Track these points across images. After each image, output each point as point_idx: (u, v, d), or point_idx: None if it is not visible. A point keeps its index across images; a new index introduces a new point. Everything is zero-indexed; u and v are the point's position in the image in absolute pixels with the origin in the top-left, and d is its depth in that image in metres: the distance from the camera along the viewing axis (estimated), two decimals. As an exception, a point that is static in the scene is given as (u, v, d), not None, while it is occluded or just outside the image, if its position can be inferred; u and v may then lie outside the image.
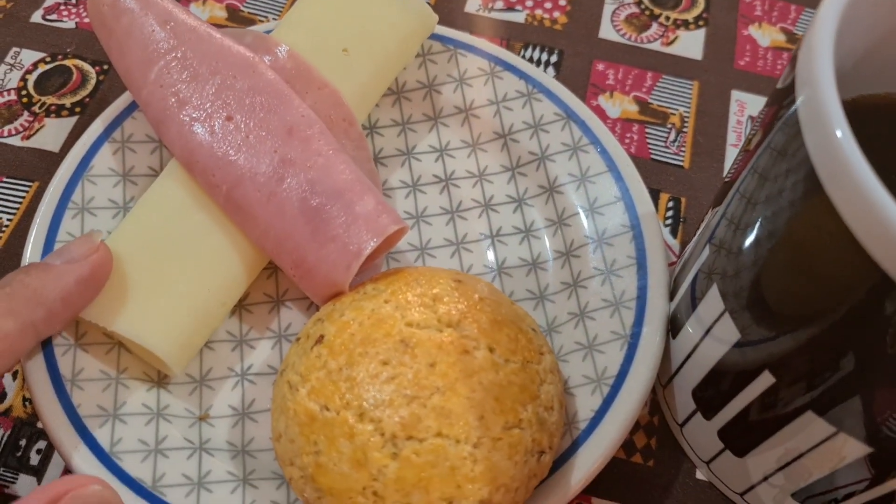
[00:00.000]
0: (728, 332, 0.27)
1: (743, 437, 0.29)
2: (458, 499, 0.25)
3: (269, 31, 0.37)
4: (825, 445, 0.25)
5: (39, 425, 0.32)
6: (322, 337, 0.28)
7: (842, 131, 0.20)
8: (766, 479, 0.29)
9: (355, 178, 0.32)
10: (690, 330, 0.30)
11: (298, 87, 0.34)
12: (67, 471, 0.30)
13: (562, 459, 0.29)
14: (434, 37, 0.38)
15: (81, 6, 0.43)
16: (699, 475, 0.33)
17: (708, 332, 0.28)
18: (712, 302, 0.28)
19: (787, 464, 0.28)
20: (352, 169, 0.32)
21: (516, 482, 0.26)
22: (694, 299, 0.29)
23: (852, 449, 0.25)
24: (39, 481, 0.31)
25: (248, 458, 0.30)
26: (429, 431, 0.26)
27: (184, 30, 0.34)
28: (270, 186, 0.31)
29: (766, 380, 0.26)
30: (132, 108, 0.36)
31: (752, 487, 0.30)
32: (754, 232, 0.25)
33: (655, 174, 0.39)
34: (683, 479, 0.33)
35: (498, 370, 0.27)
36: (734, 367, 0.27)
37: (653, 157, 0.40)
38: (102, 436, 0.29)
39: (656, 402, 0.34)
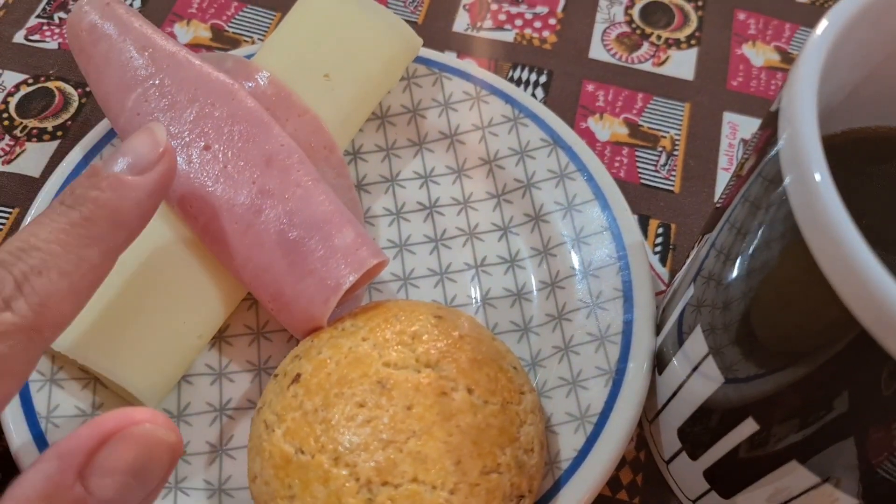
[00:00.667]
0: (712, 372, 0.26)
1: (729, 479, 0.28)
2: None
3: (250, 56, 0.36)
4: (811, 494, 0.25)
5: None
6: (299, 376, 0.28)
7: (820, 175, 0.19)
8: (753, 522, 0.29)
9: (335, 210, 0.31)
10: (677, 365, 0.29)
11: (279, 114, 0.34)
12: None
13: (543, 501, 0.28)
14: (419, 60, 0.37)
15: (64, 26, 0.43)
16: (686, 512, 0.32)
17: (694, 370, 0.28)
18: (697, 339, 0.27)
19: (774, 508, 0.27)
20: (331, 199, 0.31)
21: None
22: (681, 334, 0.29)
23: (840, 500, 0.24)
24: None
25: (224, 497, 0.30)
26: (404, 477, 0.25)
27: (162, 56, 0.33)
28: (248, 218, 0.31)
29: (750, 425, 0.25)
30: (111, 135, 0.35)
31: (739, 529, 0.30)
32: (740, 266, 0.24)
33: (645, 199, 0.38)
34: (670, 517, 0.32)
35: (476, 412, 0.27)
36: (719, 409, 0.27)
37: (643, 181, 0.39)
38: (75, 475, 0.29)
39: (643, 437, 0.33)
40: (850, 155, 0.27)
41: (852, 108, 0.27)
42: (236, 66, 0.35)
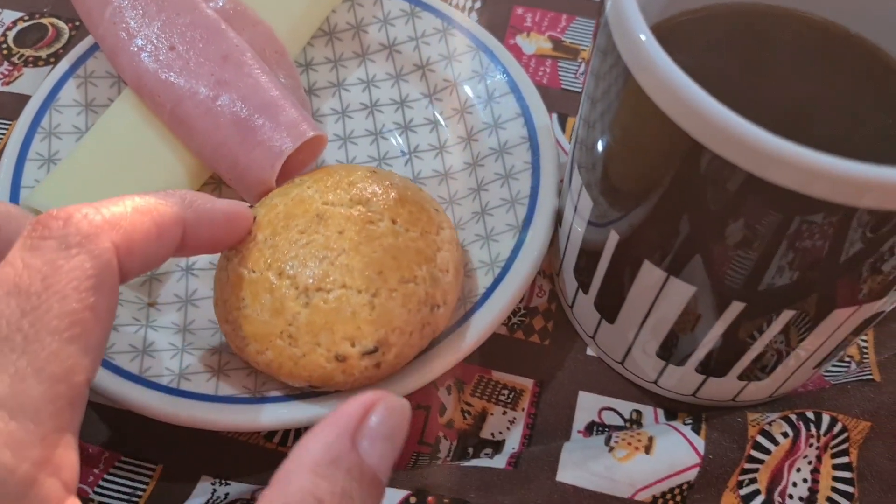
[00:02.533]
0: (586, 208, 0.31)
1: (609, 301, 0.33)
2: (358, 338, 0.30)
3: (213, -20, 0.42)
4: (664, 296, 0.30)
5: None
6: (254, 218, 0.33)
7: (644, 35, 0.24)
8: (634, 341, 0.34)
9: (280, 95, 0.37)
10: (568, 216, 0.34)
11: (236, 25, 0.39)
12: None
13: (456, 327, 0.34)
14: (360, -18, 0.43)
15: (57, -28, 0.49)
16: (589, 351, 0.37)
17: (575, 212, 0.33)
18: (575, 185, 0.32)
19: (644, 321, 0.32)
20: (278, 87, 0.37)
21: (410, 326, 0.31)
22: (570, 190, 0.34)
23: (684, 293, 0.29)
24: None
25: (187, 335, 0.35)
26: (335, 284, 0.30)
27: (134, -25, 0.39)
28: (207, 104, 0.36)
29: (613, 238, 0.30)
30: (94, 48, 0.41)
31: (627, 353, 0.35)
32: (597, 124, 0.29)
33: (565, 101, 0.44)
34: (575, 355, 0.37)
35: (398, 237, 0.32)
36: (594, 238, 0.32)
37: (563, 87, 0.44)
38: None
39: (554, 291, 0.38)
40: (679, 28, 0.32)
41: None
42: (200, -14, 0.40)
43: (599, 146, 0.29)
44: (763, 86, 0.30)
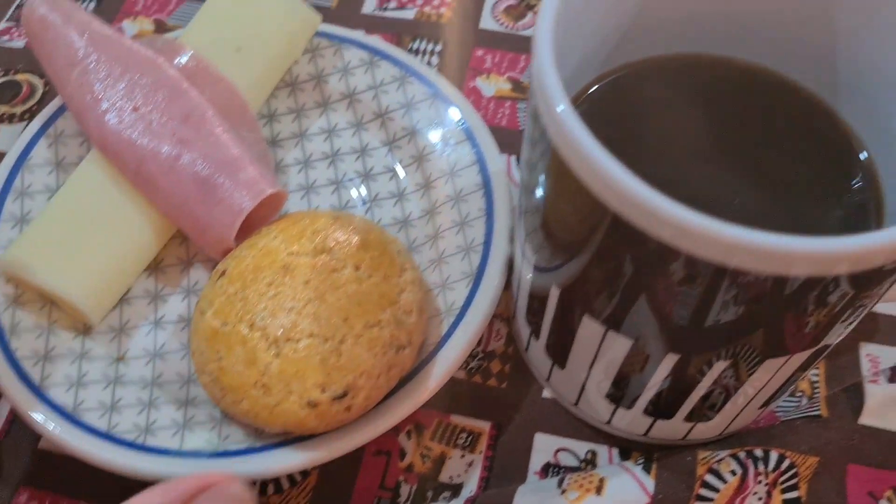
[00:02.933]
0: (531, 257, 0.33)
1: (559, 348, 0.34)
2: (327, 384, 0.31)
3: (177, 37, 0.43)
4: (606, 347, 0.31)
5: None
6: (224, 271, 0.35)
7: (563, 105, 0.25)
8: (585, 385, 0.35)
9: (240, 153, 0.38)
10: (518, 263, 0.35)
11: (199, 82, 0.40)
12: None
13: (414, 373, 0.35)
14: (321, 34, 0.44)
15: (31, 27, 0.50)
16: (545, 393, 0.38)
17: (523, 258, 0.34)
18: (521, 233, 0.33)
19: (591, 367, 0.33)
20: (239, 144, 0.38)
21: (376, 370, 0.32)
22: (518, 237, 0.35)
23: (622, 345, 0.30)
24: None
25: (154, 389, 0.36)
26: (303, 333, 0.32)
27: (98, 38, 0.40)
28: (170, 162, 0.38)
29: (555, 290, 0.31)
30: (64, 108, 0.42)
31: (580, 396, 0.36)
32: (533, 186, 0.30)
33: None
34: (532, 398, 0.38)
35: (361, 283, 0.33)
36: (540, 286, 0.33)
37: (521, 128, 0.45)
38: (34, 373, 0.35)
39: (511, 334, 0.40)
40: (601, 93, 0.33)
41: (623, 44, 0.33)
42: (164, 45, 0.41)
43: (535, 200, 0.30)
44: (687, 136, 0.32)
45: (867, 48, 0.31)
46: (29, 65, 0.49)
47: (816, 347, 0.29)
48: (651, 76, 0.33)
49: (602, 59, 0.33)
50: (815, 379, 0.38)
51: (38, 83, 0.48)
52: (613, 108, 0.33)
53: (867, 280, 0.25)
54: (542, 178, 0.28)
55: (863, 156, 0.32)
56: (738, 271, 0.24)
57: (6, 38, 0.50)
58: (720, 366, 0.29)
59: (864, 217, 0.31)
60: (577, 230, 0.28)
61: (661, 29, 0.33)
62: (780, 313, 0.26)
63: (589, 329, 0.31)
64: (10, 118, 0.47)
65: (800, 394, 0.38)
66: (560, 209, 0.29)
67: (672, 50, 0.34)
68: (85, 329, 0.38)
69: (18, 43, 0.50)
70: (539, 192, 0.29)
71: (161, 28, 0.50)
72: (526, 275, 0.34)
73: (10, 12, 0.51)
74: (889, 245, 0.23)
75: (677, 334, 0.28)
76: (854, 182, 0.32)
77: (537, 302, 0.34)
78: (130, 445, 0.33)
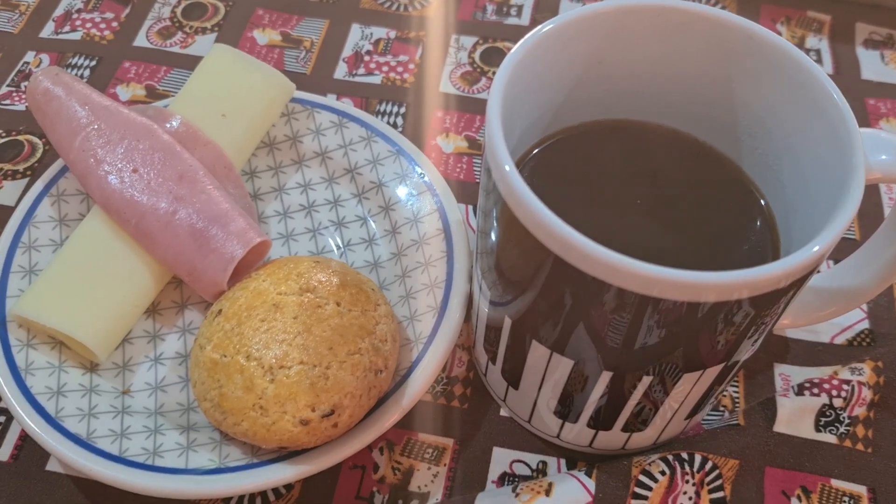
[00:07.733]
0: (486, 292, 0.38)
1: (512, 371, 0.40)
2: (317, 404, 0.36)
3: (167, 105, 0.48)
4: (552, 368, 0.36)
5: (2, 404, 0.43)
6: (220, 310, 0.40)
7: (509, 167, 0.31)
8: (536, 403, 0.40)
9: (230, 207, 0.43)
10: (476, 297, 0.41)
11: (188, 145, 0.46)
12: (25, 434, 0.41)
13: (385, 398, 0.40)
14: (296, 100, 0.50)
15: (28, 94, 0.55)
16: (502, 412, 0.43)
17: (480, 292, 0.39)
18: (477, 272, 0.39)
19: (541, 387, 0.39)
20: (228, 200, 0.43)
21: (359, 390, 0.38)
22: (476, 275, 0.41)
23: (566, 365, 0.36)
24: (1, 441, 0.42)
25: (158, 417, 0.41)
26: (294, 361, 0.37)
27: (98, 108, 0.45)
28: (167, 218, 0.43)
29: (508, 320, 0.37)
30: (65, 169, 0.47)
31: (532, 413, 0.41)
32: (487, 230, 0.35)
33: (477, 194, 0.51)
34: (491, 417, 0.43)
35: (342, 316, 0.38)
36: (495, 317, 0.38)
37: (477, 180, 0.51)
38: (49, 406, 0.40)
39: (472, 361, 0.45)
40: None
41: (571, 109, 0.39)
42: (156, 112, 0.47)
43: (490, 244, 0.36)
44: (615, 189, 0.38)
45: (760, 117, 0.37)
46: (29, 126, 0.54)
47: (727, 363, 0.35)
48: (585, 139, 0.39)
49: (544, 125, 0.39)
50: (735, 395, 0.44)
51: (39, 143, 0.53)
52: (554, 166, 0.39)
53: (764, 301, 0.31)
54: (494, 225, 0.34)
55: (762, 203, 0.38)
56: (659, 300, 0.29)
57: (7, 101, 0.55)
58: (647, 380, 0.35)
59: (763, 251, 0.37)
60: (525, 270, 0.33)
61: (590, 102, 0.39)
62: (694, 333, 0.32)
63: (538, 352, 0.36)
64: (14, 175, 0.51)
65: (722, 408, 0.44)
66: (510, 252, 0.34)
67: (603, 116, 0.40)
68: (92, 366, 0.43)
69: (20, 106, 0.55)
70: (493, 237, 0.35)
71: (152, 93, 0.56)
72: (483, 308, 0.40)
73: (10, 78, 0.56)
74: (781, 272, 0.29)
75: (611, 354, 0.34)
76: (756, 224, 0.38)
77: (493, 331, 0.39)
78: (141, 466, 0.38)
